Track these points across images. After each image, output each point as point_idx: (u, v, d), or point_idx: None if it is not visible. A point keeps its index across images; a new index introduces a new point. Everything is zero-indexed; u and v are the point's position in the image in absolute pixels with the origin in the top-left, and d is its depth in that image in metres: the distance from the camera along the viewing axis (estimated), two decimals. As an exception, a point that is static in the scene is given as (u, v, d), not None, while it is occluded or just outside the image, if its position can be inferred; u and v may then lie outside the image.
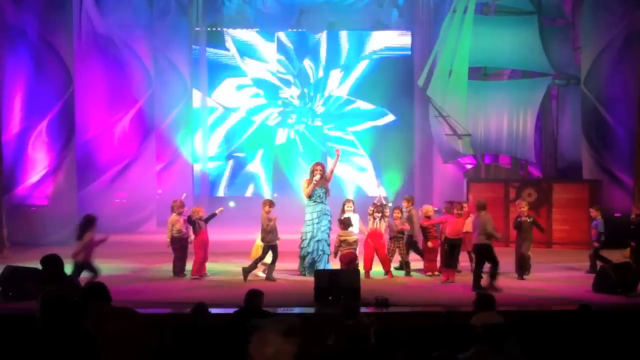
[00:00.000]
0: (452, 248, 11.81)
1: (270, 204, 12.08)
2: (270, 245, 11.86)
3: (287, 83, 22.34)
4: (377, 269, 12.21)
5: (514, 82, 19.34)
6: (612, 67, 17.14)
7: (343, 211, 12.37)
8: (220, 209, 12.58)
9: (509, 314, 7.87)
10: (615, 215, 16.04)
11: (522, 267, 12.01)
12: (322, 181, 12.20)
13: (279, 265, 12.13)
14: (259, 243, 12.04)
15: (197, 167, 21.67)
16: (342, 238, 11.72)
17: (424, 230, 12.34)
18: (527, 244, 12.13)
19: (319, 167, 12.30)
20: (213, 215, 12.37)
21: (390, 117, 22.23)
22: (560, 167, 19.40)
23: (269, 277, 11.80)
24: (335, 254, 11.94)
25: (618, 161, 17.04)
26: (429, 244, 12.28)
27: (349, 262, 11.55)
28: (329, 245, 12.06)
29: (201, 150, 21.78)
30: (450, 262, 11.80)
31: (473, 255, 11.78)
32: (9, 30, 16.54)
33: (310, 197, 12.17)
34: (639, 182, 15.49)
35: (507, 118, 18.83)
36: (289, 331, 3.36)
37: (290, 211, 14.70)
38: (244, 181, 22.11)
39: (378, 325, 6.40)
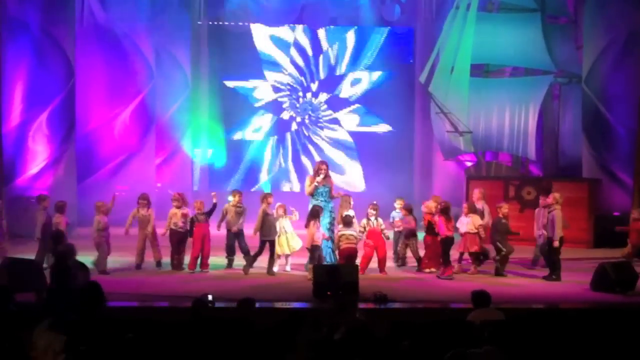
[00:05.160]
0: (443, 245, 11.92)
1: (268, 198, 12.10)
2: (265, 239, 11.90)
3: (296, 80, 22.17)
4: (373, 265, 12.18)
5: (515, 80, 19.30)
6: (613, 66, 17.07)
7: (348, 205, 12.19)
8: (214, 193, 12.62)
9: (507, 310, 7.89)
10: (614, 214, 16.07)
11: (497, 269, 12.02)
12: (327, 180, 12.14)
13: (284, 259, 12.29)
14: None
15: (198, 161, 21.59)
16: (340, 233, 11.73)
17: (429, 225, 12.30)
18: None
19: (323, 167, 12.15)
20: (214, 205, 12.28)
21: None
22: (561, 165, 19.38)
23: (270, 272, 11.86)
24: (335, 250, 11.94)
25: (618, 160, 17.00)
26: (428, 239, 12.31)
27: (348, 257, 11.53)
28: (333, 241, 12.03)
29: (202, 143, 21.67)
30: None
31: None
32: (10, 22, 16.51)
33: (312, 195, 12.13)
34: (638, 181, 15.47)
35: (508, 116, 18.82)
36: (53, 325, 3.76)
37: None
38: (247, 176, 22.00)
39: (377, 321, 6.41)
